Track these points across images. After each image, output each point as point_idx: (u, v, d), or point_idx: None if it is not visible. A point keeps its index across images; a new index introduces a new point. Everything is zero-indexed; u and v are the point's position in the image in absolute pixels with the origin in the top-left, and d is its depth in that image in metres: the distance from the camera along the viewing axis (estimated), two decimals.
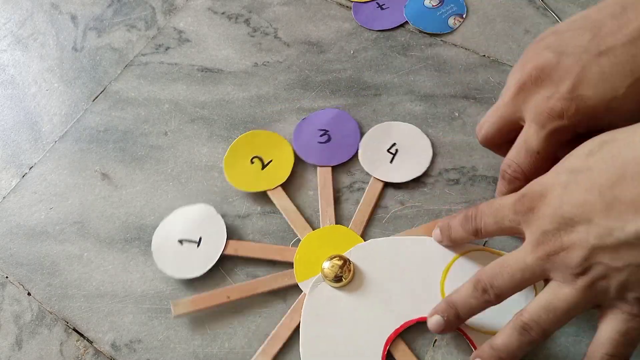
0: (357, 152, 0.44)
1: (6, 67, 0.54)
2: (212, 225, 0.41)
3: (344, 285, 0.37)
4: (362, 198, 0.42)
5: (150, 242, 0.42)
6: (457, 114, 0.45)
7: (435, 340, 0.36)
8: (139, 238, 0.43)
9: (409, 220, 0.41)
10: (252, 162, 0.44)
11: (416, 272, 0.38)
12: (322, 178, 0.43)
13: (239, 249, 0.40)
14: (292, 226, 0.41)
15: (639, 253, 0.25)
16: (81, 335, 0.40)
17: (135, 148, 0.47)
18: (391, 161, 0.43)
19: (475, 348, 0.35)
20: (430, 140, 0.44)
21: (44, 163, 0.48)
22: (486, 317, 0.35)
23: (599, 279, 0.26)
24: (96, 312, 0.40)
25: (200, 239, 0.41)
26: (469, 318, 0.33)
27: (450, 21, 0.50)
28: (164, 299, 0.40)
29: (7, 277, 0.43)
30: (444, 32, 0.50)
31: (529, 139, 0.32)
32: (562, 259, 0.27)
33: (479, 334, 0.35)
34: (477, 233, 0.34)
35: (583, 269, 0.26)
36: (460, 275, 0.37)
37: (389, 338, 0.36)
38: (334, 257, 0.38)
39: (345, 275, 0.37)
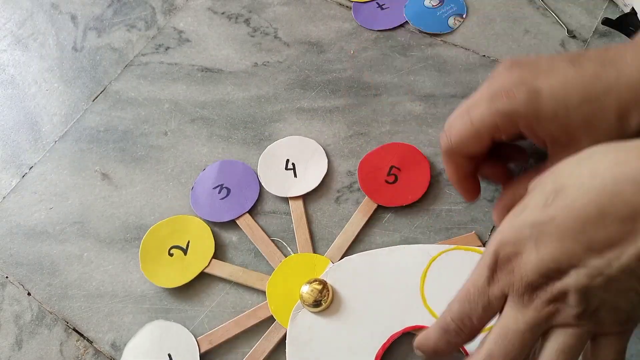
0: (261, 187, 0.43)
1: (6, 67, 0.54)
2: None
3: (324, 310, 0.37)
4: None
5: None
6: None
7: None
8: (139, 238, 0.43)
9: (408, 220, 0.41)
10: (171, 255, 0.41)
11: (394, 283, 0.37)
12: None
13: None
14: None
15: (626, 283, 0.25)
16: (81, 335, 0.40)
17: (135, 148, 0.47)
18: (295, 175, 0.43)
19: (462, 349, 0.34)
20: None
21: (44, 163, 0.48)
22: None
23: (596, 310, 0.26)
24: (96, 312, 0.40)
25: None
26: None
27: (450, 21, 0.50)
28: (164, 299, 0.40)
29: (7, 277, 0.43)
30: (444, 32, 0.50)
31: None
32: (561, 303, 0.26)
33: None
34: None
35: (583, 307, 0.26)
36: (438, 280, 0.37)
37: (377, 355, 0.35)
38: (313, 281, 0.37)
39: (324, 300, 0.36)
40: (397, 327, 0.36)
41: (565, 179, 0.27)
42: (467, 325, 0.29)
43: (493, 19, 0.50)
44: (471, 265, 0.30)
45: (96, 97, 0.51)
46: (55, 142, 0.49)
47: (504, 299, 0.28)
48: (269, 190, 0.43)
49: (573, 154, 0.27)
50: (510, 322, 0.28)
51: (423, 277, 0.37)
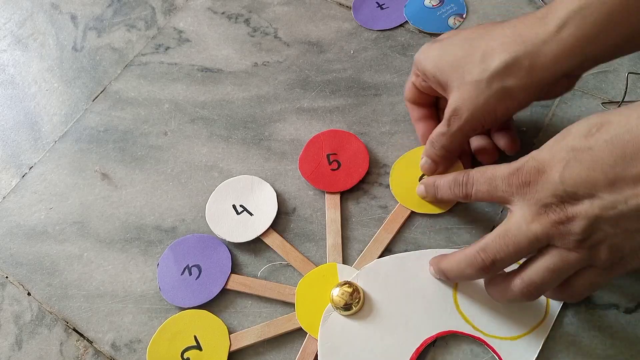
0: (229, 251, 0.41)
1: (6, 67, 0.54)
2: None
3: (355, 313, 0.36)
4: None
5: (150, 241, 0.42)
6: None
7: (435, 340, 0.36)
8: (138, 238, 0.43)
9: (408, 220, 0.41)
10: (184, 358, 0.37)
11: (426, 288, 0.37)
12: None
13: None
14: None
15: (636, 223, 0.27)
16: (81, 335, 0.40)
17: (135, 148, 0.47)
18: (251, 214, 0.42)
19: (497, 355, 0.35)
20: None
21: (44, 163, 0.48)
22: (504, 323, 0.35)
23: (598, 243, 0.29)
24: (96, 312, 0.40)
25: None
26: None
27: (450, 21, 0.50)
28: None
29: (7, 277, 0.43)
30: (444, 31, 0.49)
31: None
32: (567, 227, 0.29)
33: (499, 340, 0.35)
34: (467, 197, 0.35)
35: (586, 236, 0.28)
36: (472, 286, 0.37)
37: (411, 359, 0.35)
38: (344, 284, 0.37)
39: (355, 303, 0.36)
40: (430, 332, 0.35)
41: (613, 116, 0.28)
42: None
43: (493, 18, 0.50)
44: None
45: (96, 97, 0.51)
46: (55, 142, 0.49)
47: (510, 197, 0.31)
48: (231, 241, 0.41)
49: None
50: (513, 226, 0.30)
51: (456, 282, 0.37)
